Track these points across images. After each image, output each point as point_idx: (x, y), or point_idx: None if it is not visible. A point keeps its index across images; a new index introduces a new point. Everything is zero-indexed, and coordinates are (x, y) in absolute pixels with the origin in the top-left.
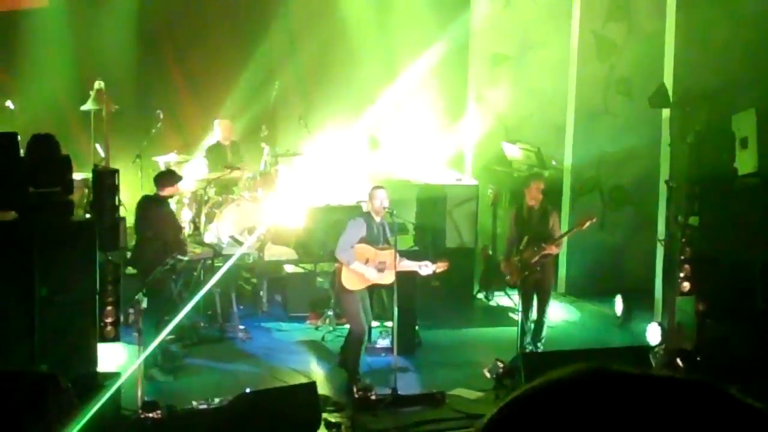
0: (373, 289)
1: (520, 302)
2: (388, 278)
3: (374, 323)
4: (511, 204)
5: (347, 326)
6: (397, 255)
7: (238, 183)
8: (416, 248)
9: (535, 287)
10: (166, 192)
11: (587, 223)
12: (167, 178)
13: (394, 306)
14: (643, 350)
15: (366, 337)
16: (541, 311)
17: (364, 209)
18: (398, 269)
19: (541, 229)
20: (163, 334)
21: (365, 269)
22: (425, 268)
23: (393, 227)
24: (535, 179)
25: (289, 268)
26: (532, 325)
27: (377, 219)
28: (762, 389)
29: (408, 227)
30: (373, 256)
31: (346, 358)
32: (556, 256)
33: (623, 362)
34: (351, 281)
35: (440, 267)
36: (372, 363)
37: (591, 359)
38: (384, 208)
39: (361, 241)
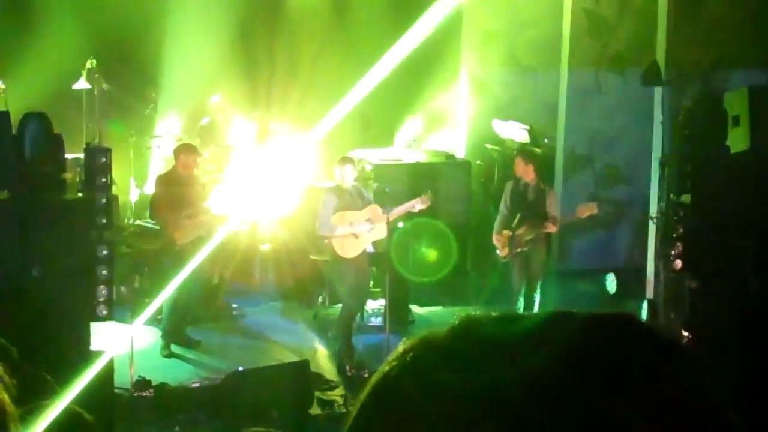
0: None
1: (512, 278)
2: (381, 232)
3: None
4: (502, 181)
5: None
6: (385, 208)
7: (230, 161)
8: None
9: (527, 264)
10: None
11: (587, 213)
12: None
13: (386, 283)
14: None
15: (357, 315)
16: (533, 288)
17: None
18: (394, 214)
19: (536, 207)
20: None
21: (353, 227)
22: (418, 205)
23: (365, 191)
24: (518, 155)
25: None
26: (521, 299)
27: (347, 187)
28: (753, 366)
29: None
30: (354, 218)
31: (336, 334)
32: (549, 234)
33: None
34: (346, 248)
35: (425, 200)
36: (365, 341)
37: None
38: (345, 184)
39: (338, 210)
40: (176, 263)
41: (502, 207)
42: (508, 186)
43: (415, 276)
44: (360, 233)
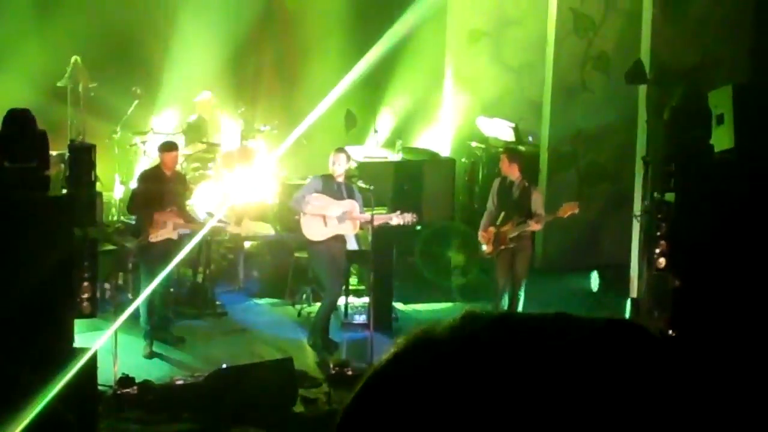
0: (350, 259)
1: (496, 276)
2: (350, 228)
3: (352, 298)
4: (487, 179)
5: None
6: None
7: (215, 159)
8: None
9: (512, 261)
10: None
11: (569, 213)
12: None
13: (371, 281)
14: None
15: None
16: (517, 286)
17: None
18: (369, 218)
19: (521, 204)
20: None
21: (323, 210)
22: (396, 218)
23: (356, 191)
24: (503, 153)
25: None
26: (506, 297)
27: (338, 179)
28: (737, 364)
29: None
30: (331, 206)
31: (314, 328)
32: (533, 232)
33: None
34: (312, 230)
35: (407, 218)
36: (349, 338)
37: None
38: (335, 171)
39: (318, 194)
40: (151, 262)
41: (489, 204)
42: (495, 183)
43: (444, 280)
44: (329, 218)
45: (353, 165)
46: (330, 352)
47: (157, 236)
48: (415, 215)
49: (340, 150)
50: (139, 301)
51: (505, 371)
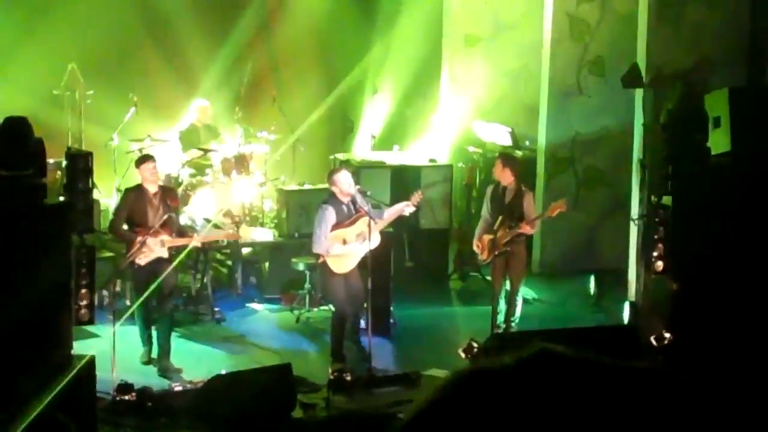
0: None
1: (492, 281)
2: (374, 242)
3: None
4: (484, 184)
5: (323, 308)
6: (378, 212)
7: (212, 165)
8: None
9: (507, 266)
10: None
11: (557, 211)
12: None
13: (369, 287)
14: (631, 331)
15: (352, 319)
16: (514, 290)
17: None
18: (385, 221)
19: (515, 209)
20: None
21: (347, 248)
22: (407, 208)
23: (360, 197)
24: (497, 158)
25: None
26: (502, 302)
27: (344, 200)
28: (735, 367)
29: (381, 207)
30: (349, 235)
31: (330, 337)
32: (530, 235)
33: (610, 342)
34: (340, 265)
35: (415, 198)
36: (347, 344)
37: (572, 340)
38: (347, 191)
39: (334, 227)
40: (143, 282)
41: (484, 211)
42: (489, 190)
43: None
44: (352, 247)
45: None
46: (340, 362)
47: (145, 258)
48: (419, 192)
49: (338, 171)
50: (135, 309)
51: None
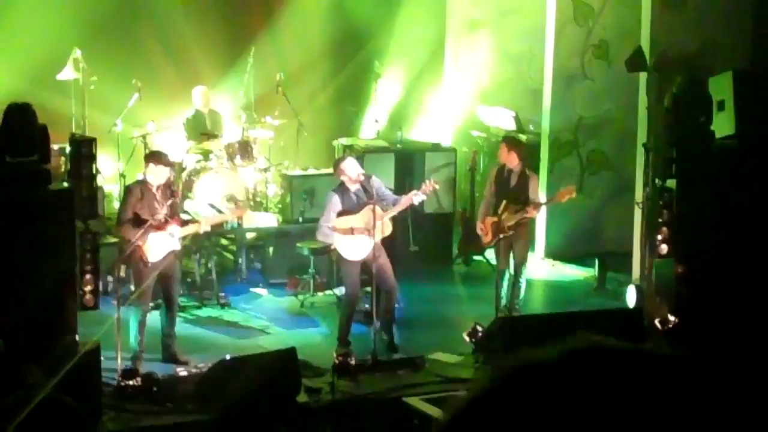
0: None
1: (496, 264)
2: (386, 229)
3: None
4: (488, 168)
5: (327, 291)
6: (388, 201)
7: (215, 151)
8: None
9: (511, 249)
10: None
11: (566, 197)
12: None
13: (373, 269)
14: (636, 314)
15: (383, 312)
16: (517, 273)
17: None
18: (395, 210)
19: (520, 192)
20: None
21: (351, 237)
22: (416, 197)
23: (373, 187)
24: (502, 141)
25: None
26: (506, 285)
27: (353, 187)
28: (739, 350)
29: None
30: (356, 222)
31: (339, 317)
32: (532, 219)
33: (615, 326)
34: (350, 251)
35: (427, 187)
36: (352, 329)
37: (577, 323)
38: (355, 178)
39: (340, 214)
40: (146, 277)
41: (487, 193)
42: (493, 172)
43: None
44: (360, 236)
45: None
46: (345, 345)
47: (159, 255)
48: (432, 181)
49: (343, 159)
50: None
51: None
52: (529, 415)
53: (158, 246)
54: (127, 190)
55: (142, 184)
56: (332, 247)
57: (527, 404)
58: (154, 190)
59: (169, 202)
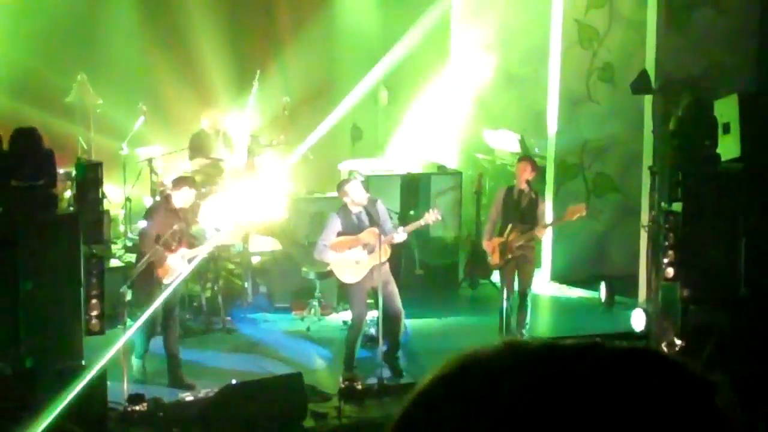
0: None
1: (501, 286)
2: (383, 255)
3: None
4: (493, 191)
5: (333, 316)
6: (395, 227)
7: (221, 173)
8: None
9: (517, 270)
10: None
11: (576, 215)
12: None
13: (379, 294)
14: (642, 337)
15: (389, 340)
16: (524, 295)
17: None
18: (397, 239)
19: (529, 213)
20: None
21: (350, 254)
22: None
23: (377, 211)
24: (520, 161)
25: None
26: (507, 306)
27: (355, 210)
28: (745, 375)
29: (391, 216)
30: (353, 243)
31: (345, 341)
32: (539, 241)
33: None
34: (344, 274)
35: (430, 216)
36: (358, 352)
37: None
38: (359, 200)
39: (339, 235)
40: (150, 291)
41: (493, 213)
42: (500, 193)
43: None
44: (358, 257)
45: (360, 179)
46: (349, 370)
47: (171, 277)
48: (435, 210)
49: (348, 181)
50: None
51: (543, 398)
52: (466, 408)
53: (173, 267)
54: (152, 210)
55: (165, 204)
56: (327, 269)
57: (462, 400)
58: (175, 212)
59: (179, 225)
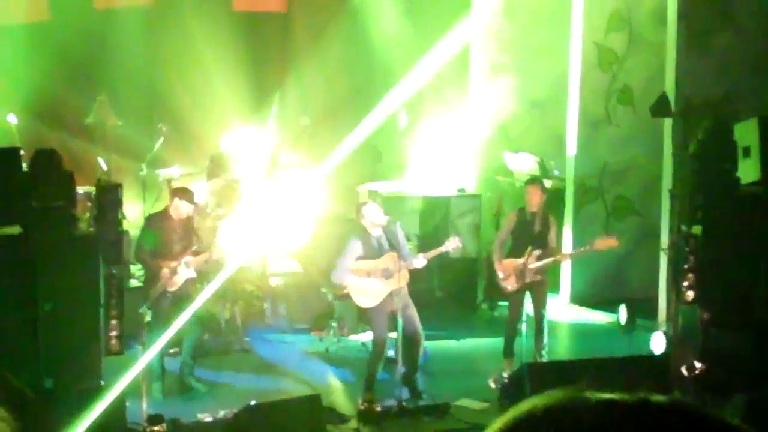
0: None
1: (512, 310)
2: (402, 280)
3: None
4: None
5: (352, 337)
6: (413, 252)
7: (240, 194)
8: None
9: (533, 294)
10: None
11: (607, 247)
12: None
13: (399, 317)
14: (662, 361)
15: (408, 363)
16: (541, 318)
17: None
18: (416, 264)
19: (543, 237)
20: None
21: (366, 281)
22: (417, 261)
23: (396, 234)
24: (529, 184)
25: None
26: (533, 331)
27: (374, 233)
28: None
29: (410, 238)
30: (373, 268)
31: (368, 364)
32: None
33: (640, 372)
34: (362, 298)
35: (451, 244)
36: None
37: (602, 370)
38: (378, 222)
39: (359, 259)
40: (167, 309)
41: (503, 235)
42: (512, 216)
43: (471, 315)
44: (375, 281)
45: (378, 201)
46: (370, 392)
47: (176, 285)
48: (458, 240)
49: (366, 203)
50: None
51: None
52: None
53: (177, 275)
54: (148, 220)
55: (165, 216)
56: (344, 291)
57: None
58: (175, 223)
59: (184, 234)
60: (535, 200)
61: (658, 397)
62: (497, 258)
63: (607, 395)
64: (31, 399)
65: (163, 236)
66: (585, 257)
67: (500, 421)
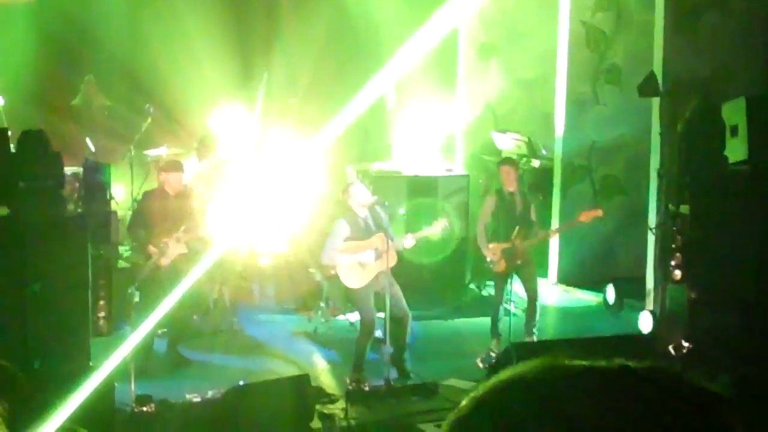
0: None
1: (498, 289)
2: (392, 260)
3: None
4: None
5: (340, 317)
6: (397, 237)
7: (228, 174)
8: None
9: (519, 275)
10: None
11: (592, 218)
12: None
13: (386, 297)
14: (649, 339)
15: (396, 343)
16: (533, 299)
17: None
18: (404, 246)
19: (526, 216)
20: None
21: (358, 258)
22: (430, 231)
23: (380, 215)
24: (502, 164)
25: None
26: (502, 310)
27: (361, 213)
28: (752, 377)
29: (397, 218)
30: (361, 248)
31: (356, 345)
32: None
33: (627, 351)
34: (351, 279)
35: (439, 225)
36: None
37: (589, 349)
38: (365, 202)
39: (347, 239)
40: (158, 286)
41: (486, 218)
42: (492, 199)
43: (459, 295)
44: (365, 262)
45: (366, 181)
46: (359, 372)
47: (168, 259)
48: (445, 220)
49: (352, 184)
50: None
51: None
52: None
53: (169, 249)
54: (144, 196)
55: (159, 193)
56: (332, 272)
57: (502, 421)
58: (170, 199)
59: (179, 211)
60: (510, 179)
61: (638, 363)
62: (483, 242)
63: (586, 362)
64: (20, 380)
65: (159, 212)
66: (573, 237)
67: (483, 388)
